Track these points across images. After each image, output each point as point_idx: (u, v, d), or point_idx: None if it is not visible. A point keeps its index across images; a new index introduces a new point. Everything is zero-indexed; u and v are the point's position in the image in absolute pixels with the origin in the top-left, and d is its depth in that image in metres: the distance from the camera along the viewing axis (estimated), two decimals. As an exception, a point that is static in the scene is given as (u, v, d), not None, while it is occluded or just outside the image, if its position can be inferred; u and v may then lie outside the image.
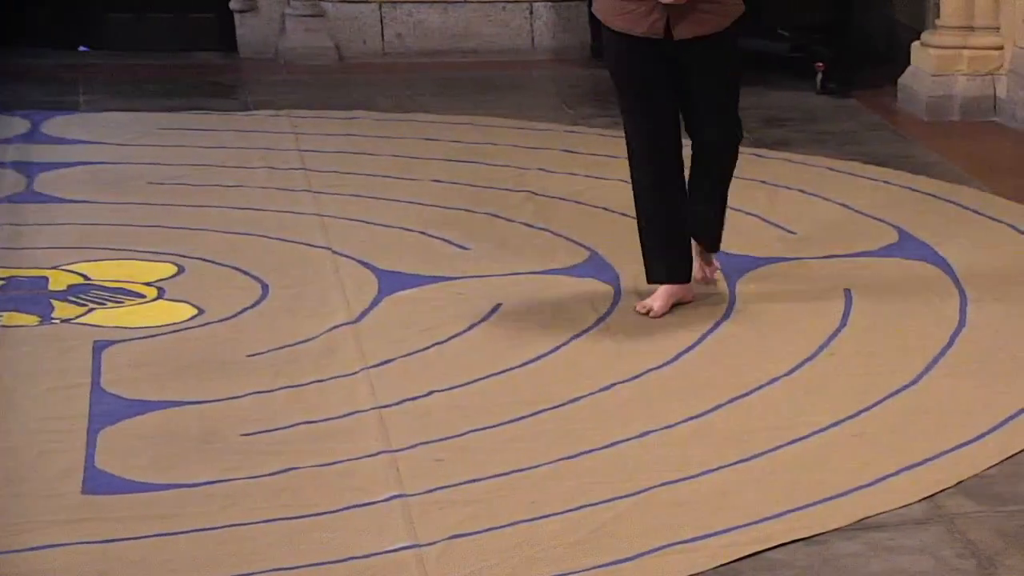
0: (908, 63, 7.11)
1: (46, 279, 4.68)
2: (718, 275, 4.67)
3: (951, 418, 3.78)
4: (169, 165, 6.01)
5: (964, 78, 6.87)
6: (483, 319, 4.43)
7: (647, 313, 4.43)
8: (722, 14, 4.36)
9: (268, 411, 3.75)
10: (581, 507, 3.31)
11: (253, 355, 4.12)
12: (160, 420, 3.67)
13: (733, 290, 4.71)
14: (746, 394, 3.93)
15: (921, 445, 3.62)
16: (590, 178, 5.88)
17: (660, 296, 4.47)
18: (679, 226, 4.49)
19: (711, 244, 4.61)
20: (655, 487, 3.41)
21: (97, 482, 3.32)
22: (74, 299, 4.52)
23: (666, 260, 4.48)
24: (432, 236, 5.18)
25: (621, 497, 3.35)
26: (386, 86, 7.57)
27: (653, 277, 4.50)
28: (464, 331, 4.32)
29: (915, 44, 7.07)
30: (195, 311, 4.44)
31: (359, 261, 4.87)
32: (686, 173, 4.54)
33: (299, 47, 8.13)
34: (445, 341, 4.24)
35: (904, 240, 5.18)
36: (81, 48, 8.35)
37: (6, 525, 3.11)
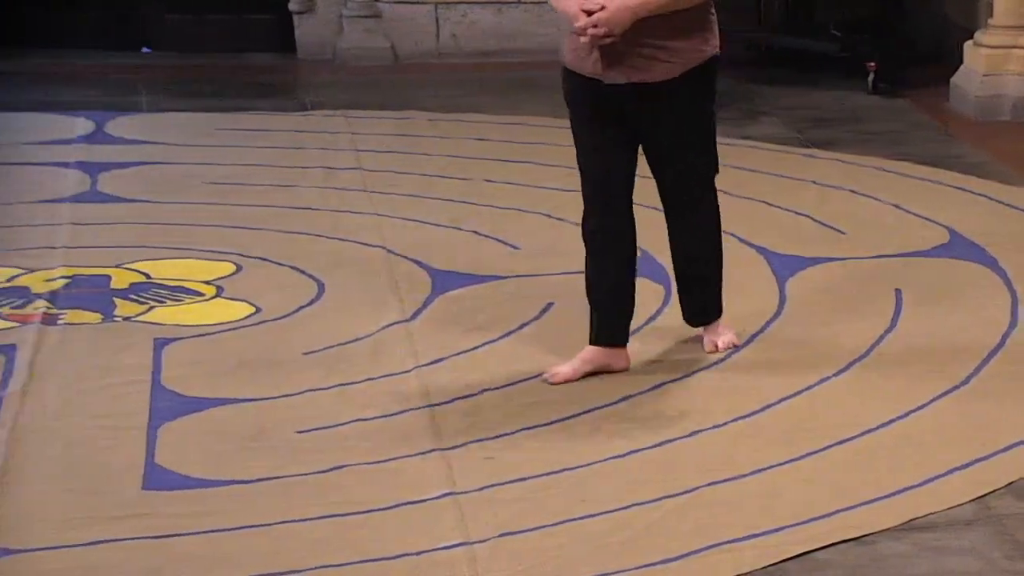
0: (959, 63, 7.03)
1: (109, 277, 4.71)
2: (733, 339, 4.16)
3: (1001, 419, 3.74)
4: (227, 165, 6.05)
5: (1015, 78, 6.78)
6: (534, 318, 4.42)
7: (552, 379, 3.91)
8: (673, 60, 3.81)
9: (321, 409, 3.76)
10: (629, 506, 3.29)
11: (308, 353, 4.14)
12: (217, 417, 3.69)
13: (783, 290, 4.68)
14: (795, 394, 3.90)
15: (970, 446, 3.58)
16: (639, 178, 5.85)
17: (576, 359, 3.96)
18: (609, 279, 4.03)
19: (701, 311, 4.16)
20: (703, 486, 3.39)
21: (156, 478, 3.34)
22: (136, 297, 4.55)
23: (595, 319, 4.01)
24: (484, 236, 5.18)
25: (669, 496, 3.34)
26: (440, 86, 7.58)
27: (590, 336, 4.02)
28: (515, 330, 4.32)
29: (967, 44, 6.99)
30: (252, 309, 4.46)
31: (413, 260, 4.88)
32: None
33: (355, 48, 8.14)
34: (496, 340, 4.24)
35: (954, 240, 5.12)
36: (144, 50, 8.41)
37: (68, 519, 3.13)
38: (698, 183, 4.05)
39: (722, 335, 4.16)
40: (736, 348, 4.16)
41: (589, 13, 3.70)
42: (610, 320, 4.01)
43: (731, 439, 3.65)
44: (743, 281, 4.74)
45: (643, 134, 3.94)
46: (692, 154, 3.98)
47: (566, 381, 3.90)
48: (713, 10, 3.90)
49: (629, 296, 4.07)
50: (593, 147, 3.96)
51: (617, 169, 3.97)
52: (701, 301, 4.17)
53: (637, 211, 5.46)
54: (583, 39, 3.72)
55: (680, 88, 3.83)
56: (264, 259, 4.91)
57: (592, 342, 3.99)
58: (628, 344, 4.04)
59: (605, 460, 3.51)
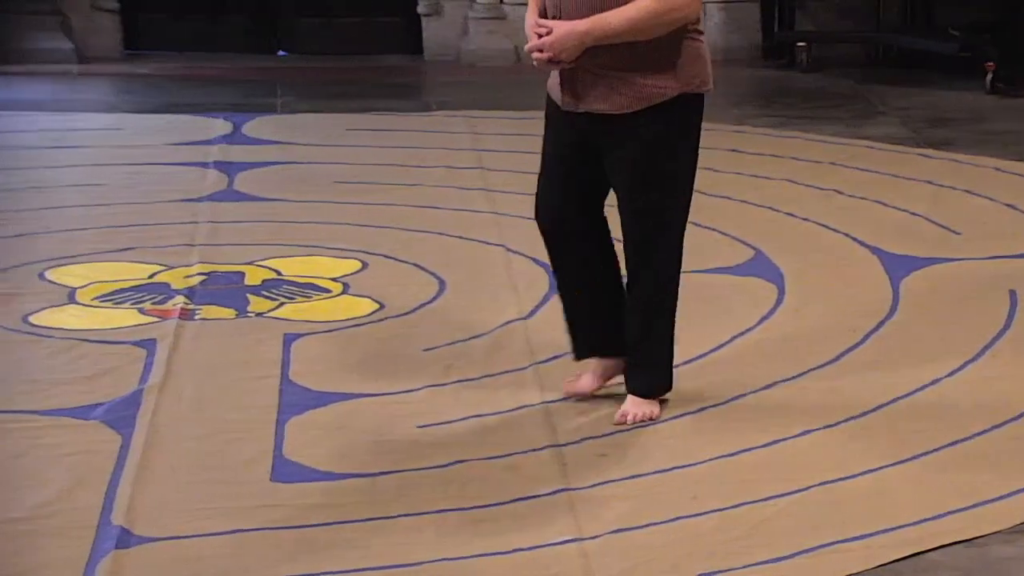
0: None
1: (243, 274, 4.78)
2: (652, 412, 3.65)
3: (1115, 422, 3.62)
4: (355, 165, 6.10)
5: None
6: (649, 317, 4.38)
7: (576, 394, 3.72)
8: (632, 95, 3.38)
9: (440, 404, 3.77)
10: (740, 504, 3.25)
11: (428, 349, 4.15)
12: (341, 411, 3.72)
13: (897, 290, 4.58)
14: (907, 395, 3.82)
15: (1084, 449, 3.48)
16: (756, 178, 5.79)
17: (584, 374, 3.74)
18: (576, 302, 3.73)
19: (635, 381, 3.65)
20: (814, 486, 3.33)
21: (283, 470, 3.37)
22: (267, 293, 4.61)
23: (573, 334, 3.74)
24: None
25: (779, 495, 3.29)
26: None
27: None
28: (630, 328, 4.28)
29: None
30: (376, 306, 4.49)
31: (531, 259, 4.87)
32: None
33: (480, 49, 8.16)
34: (611, 338, 4.21)
35: (1071, 241, 4.98)
36: (280, 53, 8.52)
37: (198, 509, 3.17)
38: (655, 229, 3.52)
39: (643, 407, 3.63)
40: (854, 346, 3.98)
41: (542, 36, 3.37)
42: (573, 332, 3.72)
43: (842, 439, 3.59)
44: (857, 280, 4.66)
45: (606, 166, 3.53)
46: (654, 195, 3.49)
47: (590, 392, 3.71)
48: (697, 43, 3.44)
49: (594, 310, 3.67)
50: (546, 176, 3.66)
51: (565, 207, 3.62)
52: (639, 373, 3.65)
53: (753, 210, 5.38)
54: (533, 63, 3.42)
55: (642, 123, 3.41)
56: (388, 256, 4.94)
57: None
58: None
59: (716, 459, 3.47)
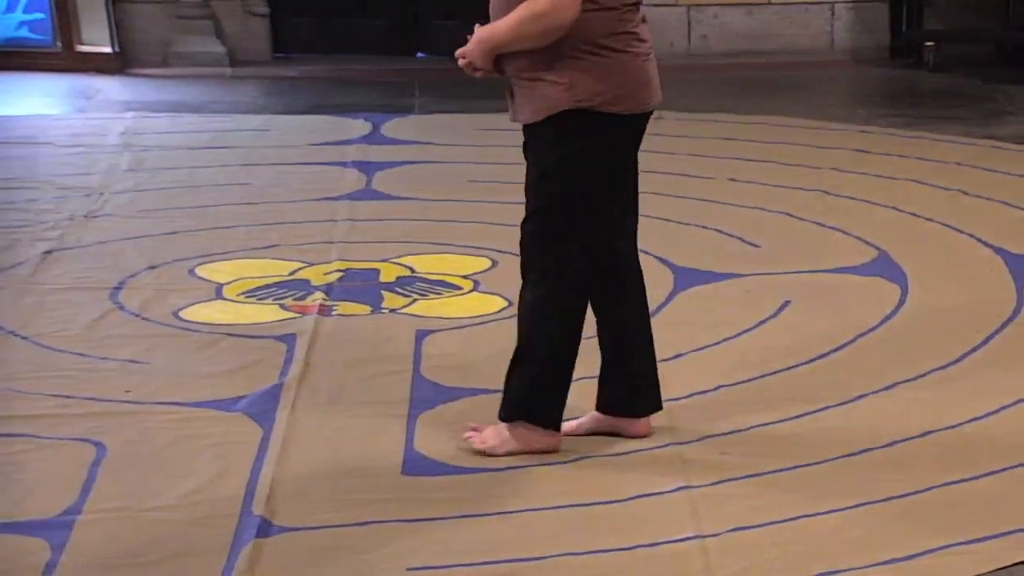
0: None
1: (378, 271, 4.82)
2: (493, 442, 3.38)
3: None
4: (488, 164, 6.11)
5: None
6: (771, 316, 4.32)
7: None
8: (532, 105, 3.18)
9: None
10: (860, 504, 3.18)
11: (556, 347, 4.13)
12: (470, 406, 3.72)
13: (1021, 291, 4.45)
14: (1029, 398, 3.71)
15: None
16: (881, 178, 5.67)
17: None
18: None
19: (506, 401, 3.37)
20: (935, 487, 3.25)
21: (415, 464, 3.38)
22: (401, 290, 4.64)
23: None
24: (726, 234, 5.09)
25: (900, 496, 3.21)
26: (690, 87, 7.49)
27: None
28: (752, 328, 4.23)
29: None
30: (505, 303, 4.49)
31: (656, 257, 4.83)
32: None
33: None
34: (733, 337, 4.16)
35: None
36: (419, 55, 8.58)
37: (332, 500, 3.20)
38: (536, 250, 3.26)
39: (494, 435, 3.36)
40: (976, 347, 3.90)
41: None
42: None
43: (964, 440, 3.49)
44: (981, 282, 4.53)
45: None
46: (536, 213, 3.23)
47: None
48: (605, 59, 3.13)
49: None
50: None
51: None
52: (509, 389, 3.36)
53: (878, 210, 5.23)
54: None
55: (539, 135, 3.19)
56: (518, 255, 4.92)
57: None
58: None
59: (836, 459, 3.40)
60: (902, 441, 3.49)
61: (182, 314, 4.42)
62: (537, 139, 3.24)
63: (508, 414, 3.38)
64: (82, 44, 8.48)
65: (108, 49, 8.41)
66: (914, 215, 5.22)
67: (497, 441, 3.39)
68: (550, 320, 3.30)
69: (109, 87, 7.96)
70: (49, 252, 4.98)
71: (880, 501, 3.19)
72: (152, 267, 4.85)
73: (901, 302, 4.38)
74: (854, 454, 3.42)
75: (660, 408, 3.50)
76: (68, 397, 3.75)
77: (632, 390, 3.44)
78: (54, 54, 8.44)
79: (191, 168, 6.19)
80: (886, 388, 3.79)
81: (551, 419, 3.38)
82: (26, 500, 3.18)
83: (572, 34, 3.11)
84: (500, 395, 3.46)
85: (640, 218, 5.32)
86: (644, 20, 3.23)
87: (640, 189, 5.63)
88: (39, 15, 8.53)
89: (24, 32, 8.57)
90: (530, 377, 3.35)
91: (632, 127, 3.23)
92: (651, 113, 3.28)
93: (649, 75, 3.21)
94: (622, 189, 3.31)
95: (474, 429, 3.44)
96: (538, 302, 3.29)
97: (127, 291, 4.60)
